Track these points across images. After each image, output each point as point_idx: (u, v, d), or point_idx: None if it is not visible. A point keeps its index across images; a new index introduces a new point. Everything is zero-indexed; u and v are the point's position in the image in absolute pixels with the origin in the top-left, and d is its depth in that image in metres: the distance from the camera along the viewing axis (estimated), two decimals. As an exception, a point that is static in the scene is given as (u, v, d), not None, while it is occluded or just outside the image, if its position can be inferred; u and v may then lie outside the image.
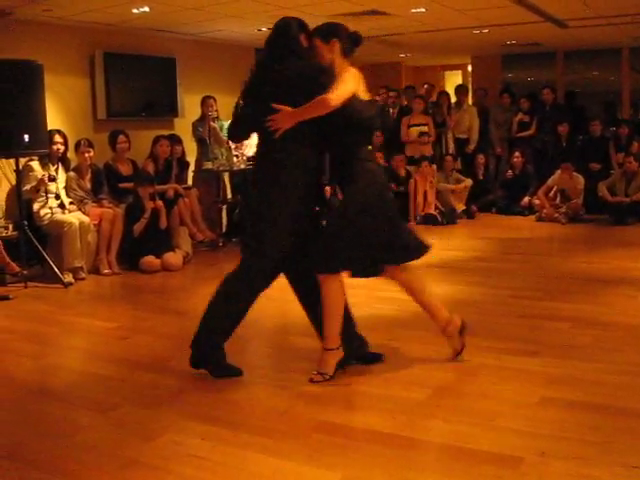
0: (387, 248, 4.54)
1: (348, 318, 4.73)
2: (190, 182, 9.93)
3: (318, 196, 4.79)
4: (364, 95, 4.53)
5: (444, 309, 4.80)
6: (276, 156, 4.51)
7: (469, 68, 16.94)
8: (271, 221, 4.50)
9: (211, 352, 4.62)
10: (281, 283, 7.42)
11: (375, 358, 4.84)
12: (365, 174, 4.50)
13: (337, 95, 4.27)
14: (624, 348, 5.07)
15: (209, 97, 10.05)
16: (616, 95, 14.74)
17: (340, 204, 4.64)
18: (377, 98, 12.93)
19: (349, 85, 4.38)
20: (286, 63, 4.50)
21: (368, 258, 4.56)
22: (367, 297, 6.58)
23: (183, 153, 9.72)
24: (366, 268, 4.67)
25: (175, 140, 9.58)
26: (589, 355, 4.92)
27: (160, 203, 8.53)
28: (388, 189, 4.93)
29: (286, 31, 4.58)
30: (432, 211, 11.39)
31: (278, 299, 6.83)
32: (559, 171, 11.68)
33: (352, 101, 4.38)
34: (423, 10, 9.88)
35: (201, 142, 10.01)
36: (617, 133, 12.62)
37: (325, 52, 4.57)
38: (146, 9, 8.64)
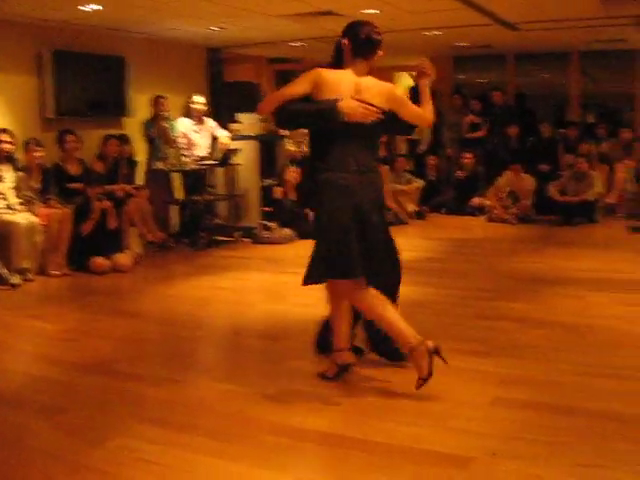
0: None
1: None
2: (140, 182, 9.83)
3: None
4: (336, 94, 4.28)
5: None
6: None
7: (421, 69, 17.01)
8: None
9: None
10: (237, 285, 7.46)
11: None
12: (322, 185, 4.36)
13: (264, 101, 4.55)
14: (572, 347, 5.14)
15: (161, 96, 9.98)
16: (565, 97, 14.93)
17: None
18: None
19: (283, 90, 4.44)
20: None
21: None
22: (318, 298, 6.43)
23: (132, 153, 9.63)
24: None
25: (124, 140, 9.49)
26: (539, 355, 4.98)
27: (109, 203, 8.43)
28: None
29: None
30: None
31: (233, 301, 6.86)
32: (509, 172, 11.81)
33: (294, 105, 4.35)
34: (376, 11, 9.90)
35: (152, 142, 9.92)
36: (566, 135, 12.79)
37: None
38: (96, 7, 8.53)
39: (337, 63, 4.48)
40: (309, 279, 4.42)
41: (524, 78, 15.15)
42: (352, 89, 4.33)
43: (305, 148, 11.66)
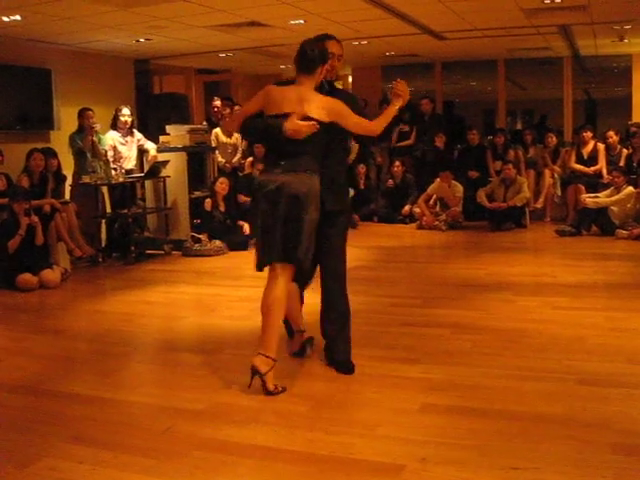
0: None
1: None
2: (67, 196, 9.68)
3: None
4: (279, 109, 4.55)
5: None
6: None
7: (350, 79, 17.12)
8: None
9: None
10: (167, 298, 7.38)
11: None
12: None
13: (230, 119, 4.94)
14: (502, 352, 5.19)
15: (87, 109, 9.83)
16: (493, 104, 15.16)
17: None
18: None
19: (243, 107, 5.16)
20: None
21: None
22: (249, 310, 6.54)
23: (59, 166, 9.48)
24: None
25: (50, 154, 9.33)
26: (468, 360, 5.02)
27: (36, 218, 8.26)
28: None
29: None
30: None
31: (162, 315, 6.78)
32: (438, 179, 11.92)
33: (250, 121, 4.72)
34: (302, 22, 9.93)
35: (79, 155, 9.76)
36: (494, 141, 12.96)
37: None
38: (18, 17, 8.39)
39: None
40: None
41: (452, 86, 15.35)
42: (295, 103, 4.52)
43: (235, 159, 11.65)
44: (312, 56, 4.62)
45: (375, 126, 4.97)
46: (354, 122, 4.77)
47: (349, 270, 8.30)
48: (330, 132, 4.64)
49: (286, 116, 4.49)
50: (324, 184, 4.66)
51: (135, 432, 3.98)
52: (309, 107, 4.52)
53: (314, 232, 4.63)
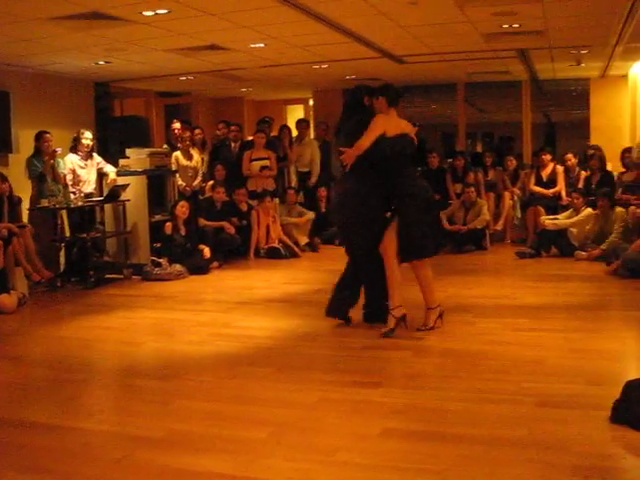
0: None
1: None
2: (25, 220, 9.54)
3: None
4: (395, 131, 6.36)
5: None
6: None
7: (310, 102, 17.16)
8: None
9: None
10: (126, 324, 7.29)
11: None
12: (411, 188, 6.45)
13: (363, 140, 6.31)
14: (462, 375, 5.18)
15: (44, 132, 9.73)
16: (453, 128, 15.27)
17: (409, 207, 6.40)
18: (217, 132, 12.89)
19: (372, 131, 6.31)
20: (355, 115, 6.63)
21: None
22: (209, 335, 6.54)
23: (11, 190, 9.27)
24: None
25: (2, 178, 9.16)
26: (429, 383, 5.01)
27: (-8, 243, 8.15)
28: (431, 199, 6.74)
29: (355, 94, 6.81)
30: (276, 245, 11.38)
31: (121, 341, 6.69)
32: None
33: (379, 140, 6.28)
34: (262, 45, 9.94)
35: (38, 179, 9.64)
36: (454, 164, 13.02)
37: (376, 105, 6.55)
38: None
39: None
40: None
41: (412, 109, 15.41)
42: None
43: (195, 183, 11.59)
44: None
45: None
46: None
47: (307, 294, 8.33)
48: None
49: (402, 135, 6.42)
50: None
51: (91, 461, 3.91)
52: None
53: None
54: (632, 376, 4.57)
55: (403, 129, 6.49)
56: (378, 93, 6.57)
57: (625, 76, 13.97)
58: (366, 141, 6.34)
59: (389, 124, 6.41)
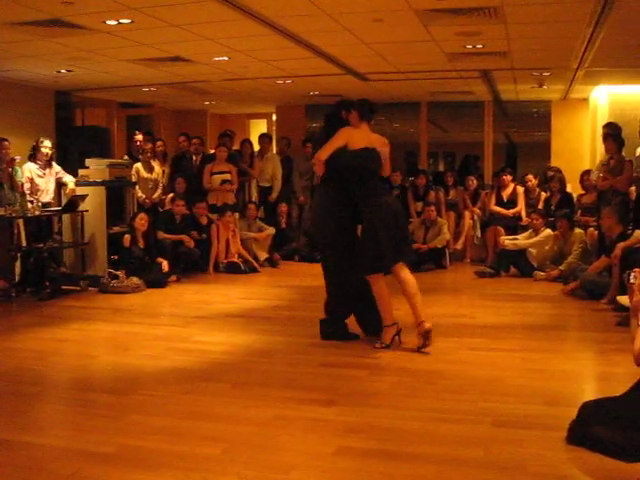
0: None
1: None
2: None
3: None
4: (359, 144, 6.44)
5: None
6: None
7: (274, 117, 17.15)
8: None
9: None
10: (81, 336, 7.17)
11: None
12: (371, 202, 6.42)
13: (321, 150, 6.50)
14: (419, 394, 5.16)
15: (3, 139, 9.59)
16: (415, 146, 15.33)
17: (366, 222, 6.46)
18: (181, 145, 12.79)
19: (331, 142, 6.45)
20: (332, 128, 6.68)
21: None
22: (165, 349, 6.46)
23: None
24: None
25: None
26: (385, 402, 4.97)
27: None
28: (395, 212, 6.52)
29: (335, 108, 6.93)
30: (235, 259, 11.31)
31: (75, 354, 6.58)
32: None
33: (340, 152, 6.40)
34: (226, 58, 9.91)
35: (-6, 186, 9.50)
36: (415, 183, 13.06)
37: (350, 118, 6.63)
38: None
39: None
40: None
41: (375, 127, 15.38)
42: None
43: (155, 195, 11.50)
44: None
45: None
46: None
47: (265, 309, 8.28)
48: None
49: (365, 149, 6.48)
50: None
51: (41, 477, 3.80)
52: None
53: None
54: (588, 397, 4.59)
55: (372, 143, 6.54)
56: (352, 107, 6.65)
57: (586, 99, 14.13)
58: (323, 152, 6.47)
59: (354, 137, 6.47)
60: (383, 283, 6.54)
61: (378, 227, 6.33)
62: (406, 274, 6.56)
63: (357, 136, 6.50)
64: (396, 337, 6.52)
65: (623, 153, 9.53)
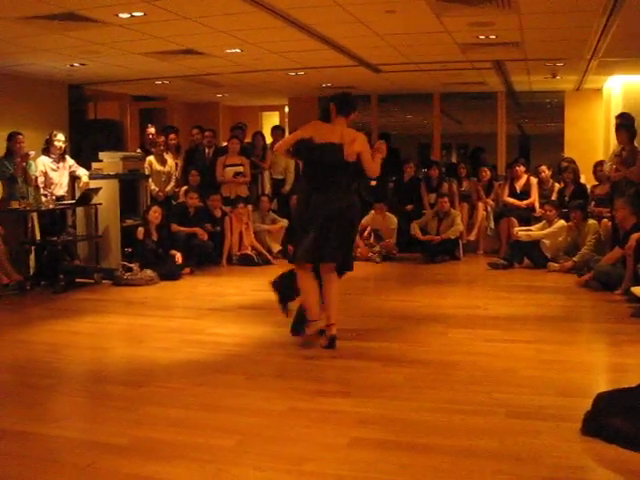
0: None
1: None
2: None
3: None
4: (324, 139, 6.13)
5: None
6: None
7: (286, 109, 17.13)
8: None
9: None
10: (95, 329, 7.20)
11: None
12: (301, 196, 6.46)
13: (279, 142, 6.81)
14: (435, 385, 5.15)
15: (17, 133, 9.62)
16: (428, 138, 15.30)
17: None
18: (194, 138, 12.80)
19: (291, 134, 6.58)
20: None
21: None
22: (179, 341, 6.47)
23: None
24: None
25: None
26: (400, 394, 4.97)
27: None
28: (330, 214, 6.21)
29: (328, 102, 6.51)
30: (248, 251, 11.32)
31: (90, 346, 6.61)
32: (373, 211, 11.93)
33: (299, 144, 6.24)
34: (238, 51, 9.91)
35: (9, 180, 9.53)
36: (428, 174, 13.04)
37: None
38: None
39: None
40: None
41: (388, 118, 15.42)
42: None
43: (168, 188, 11.53)
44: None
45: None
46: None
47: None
48: None
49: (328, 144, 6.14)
50: None
51: (56, 468, 3.82)
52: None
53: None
54: (603, 388, 4.58)
55: (341, 139, 6.15)
56: (331, 100, 6.43)
57: (600, 90, 14.06)
58: (282, 143, 6.64)
59: (320, 131, 6.21)
60: (308, 277, 6.31)
61: (296, 222, 6.48)
62: (329, 277, 6.44)
63: (324, 130, 6.23)
64: (323, 335, 6.22)
65: (635, 143, 9.47)
